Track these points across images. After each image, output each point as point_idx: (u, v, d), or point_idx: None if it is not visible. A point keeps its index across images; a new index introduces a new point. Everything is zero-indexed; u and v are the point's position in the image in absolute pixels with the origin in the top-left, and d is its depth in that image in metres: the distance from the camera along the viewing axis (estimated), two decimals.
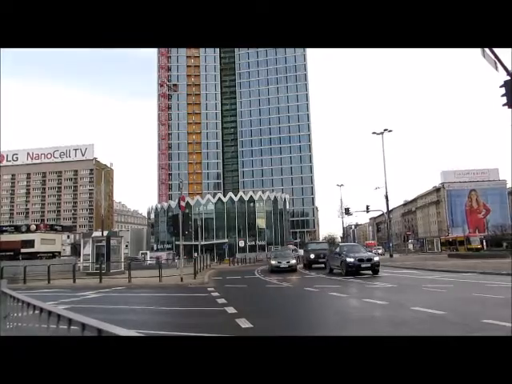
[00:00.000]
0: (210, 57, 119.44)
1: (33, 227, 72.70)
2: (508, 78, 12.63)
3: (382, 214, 58.02)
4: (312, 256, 27.09)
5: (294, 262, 25.51)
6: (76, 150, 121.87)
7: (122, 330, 1.64)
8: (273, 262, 25.43)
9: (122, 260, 30.44)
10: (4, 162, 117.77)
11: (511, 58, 11.01)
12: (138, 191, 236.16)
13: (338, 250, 22.16)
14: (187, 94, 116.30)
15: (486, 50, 12.62)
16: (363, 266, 19.26)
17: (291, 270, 24.53)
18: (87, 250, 29.01)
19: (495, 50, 12.71)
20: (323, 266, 26.10)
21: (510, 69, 12.65)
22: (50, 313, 2.42)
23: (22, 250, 53.19)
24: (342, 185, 66.35)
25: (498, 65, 12.71)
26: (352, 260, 19.30)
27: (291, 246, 76.41)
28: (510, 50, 10.22)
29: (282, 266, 24.70)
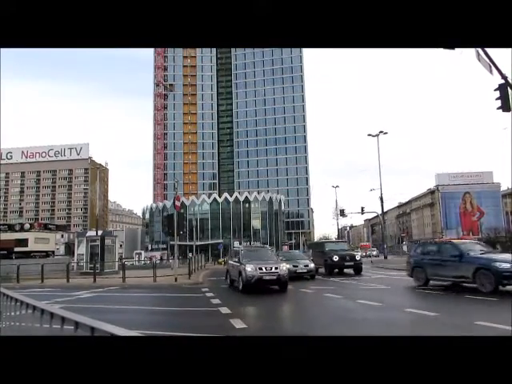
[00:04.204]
0: (206, 57, 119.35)
1: (27, 226, 72.09)
2: (502, 81, 12.74)
3: (377, 216, 58.30)
4: (335, 258, 21.92)
5: (312, 265, 19.79)
6: (71, 149, 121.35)
7: (115, 329, 1.63)
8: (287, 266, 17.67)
9: (117, 260, 30.32)
10: None
11: (511, 60, 11.07)
12: (133, 191, 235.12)
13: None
14: (183, 94, 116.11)
15: (481, 53, 12.70)
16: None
17: (310, 276, 19.21)
18: (81, 249, 28.96)
19: (490, 53, 12.81)
20: (349, 270, 22.06)
21: (504, 72, 12.75)
22: (43, 311, 2.41)
23: (16, 249, 52.73)
24: (337, 186, 66.60)
25: (493, 68, 12.81)
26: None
27: (286, 248, 76.50)
28: (504, 53, 10.30)
29: (300, 270, 18.97)
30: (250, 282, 14.07)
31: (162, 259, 49.70)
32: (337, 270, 22.44)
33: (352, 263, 21.82)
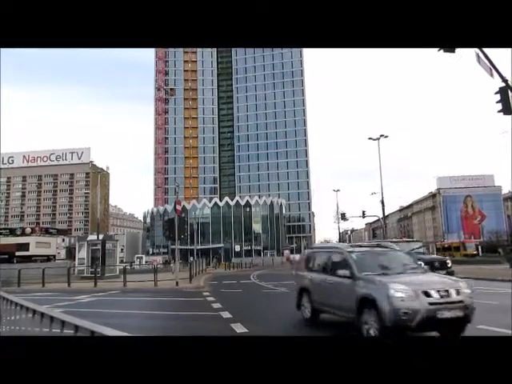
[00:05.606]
0: (207, 61, 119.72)
1: (28, 230, 72.32)
2: (503, 84, 12.75)
3: (378, 220, 58.21)
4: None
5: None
6: (72, 153, 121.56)
7: (114, 332, 1.63)
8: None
9: (118, 264, 30.24)
10: None
11: (511, 63, 11.09)
12: (134, 195, 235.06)
13: None
14: (184, 99, 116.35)
15: (481, 56, 12.72)
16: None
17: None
18: (82, 253, 28.85)
19: (490, 56, 12.83)
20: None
21: (504, 75, 12.76)
22: (42, 315, 2.40)
23: (17, 253, 52.84)
24: (338, 190, 66.44)
25: (493, 71, 12.82)
26: None
27: (287, 252, 76.33)
28: (504, 56, 10.32)
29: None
30: (409, 325, 5.36)
31: (169, 262, 49.78)
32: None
33: (444, 272, 14.25)
